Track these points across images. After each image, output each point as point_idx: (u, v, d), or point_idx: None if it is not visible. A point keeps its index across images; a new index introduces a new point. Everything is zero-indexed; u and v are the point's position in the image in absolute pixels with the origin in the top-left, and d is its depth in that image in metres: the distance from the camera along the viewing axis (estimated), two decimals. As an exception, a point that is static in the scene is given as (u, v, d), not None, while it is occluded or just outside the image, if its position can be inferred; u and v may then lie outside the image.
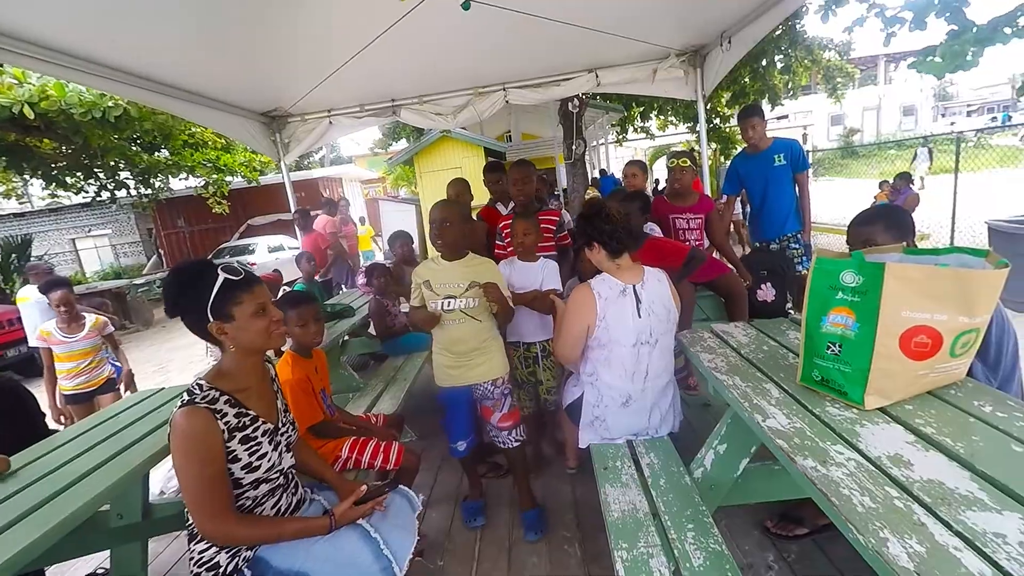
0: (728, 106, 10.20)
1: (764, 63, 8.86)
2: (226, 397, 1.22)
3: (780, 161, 3.37)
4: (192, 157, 9.50)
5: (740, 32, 3.40)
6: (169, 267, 13.54)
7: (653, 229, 2.98)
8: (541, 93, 4.33)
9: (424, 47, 3.36)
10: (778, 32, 8.25)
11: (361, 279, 4.45)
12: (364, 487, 1.36)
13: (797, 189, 3.44)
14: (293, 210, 5.49)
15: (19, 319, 5.51)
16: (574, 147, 6.72)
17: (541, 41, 3.46)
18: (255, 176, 10.43)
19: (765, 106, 8.72)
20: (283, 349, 2.00)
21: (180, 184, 12.67)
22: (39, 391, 2.66)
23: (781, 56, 9.18)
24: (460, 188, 3.21)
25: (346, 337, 3.93)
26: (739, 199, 4.61)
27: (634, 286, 1.74)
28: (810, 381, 1.37)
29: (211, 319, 1.19)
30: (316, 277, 5.07)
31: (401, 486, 1.58)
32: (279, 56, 3.28)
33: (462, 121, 4.53)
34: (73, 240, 16.73)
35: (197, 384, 1.22)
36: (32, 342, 3.97)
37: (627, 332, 1.72)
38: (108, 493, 1.45)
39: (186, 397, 1.19)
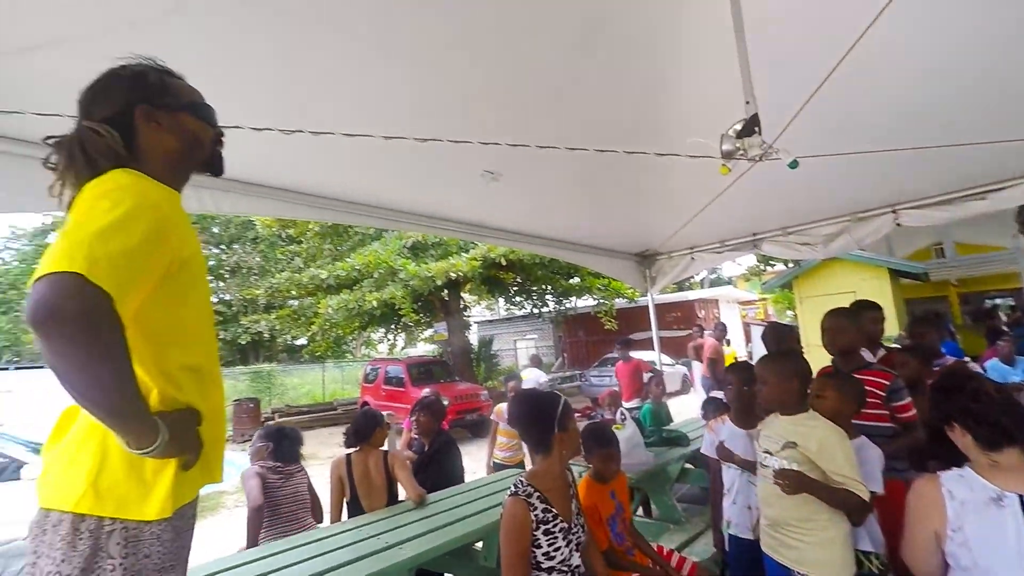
0: None
1: None
2: (538, 494, 1.62)
3: None
4: (593, 282, 11.92)
5: None
6: (569, 368, 16.70)
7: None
8: (953, 211, 3.47)
9: (787, 181, 3.37)
10: None
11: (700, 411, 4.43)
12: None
13: None
14: (654, 335, 6.02)
15: (482, 395, 8.27)
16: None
17: (945, 156, 2.88)
18: (635, 295, 12.03)
19: None
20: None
21: (583, 303, 15.90)
22: (478, 449, 3.91)
23: None
24: (836, 322, 2.42)
25: (685, 464, 3.93)
26: None
27: (1021, 497, 1.21)
28: None
29: (556, 430, 1.65)
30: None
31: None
32: (650, 210, 4.00)
33: (835, 250, 4.11)
34: (515, 340, 23.10)
35: (520, 480, 1.68)
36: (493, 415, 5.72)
37: (1009, 563, 1.19)
38: (474, 534, 2.10)
39: (513, 489, 1.66)
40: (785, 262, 15.19)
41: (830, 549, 1.70)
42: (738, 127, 1.92)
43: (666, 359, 12.37)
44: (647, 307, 5.62)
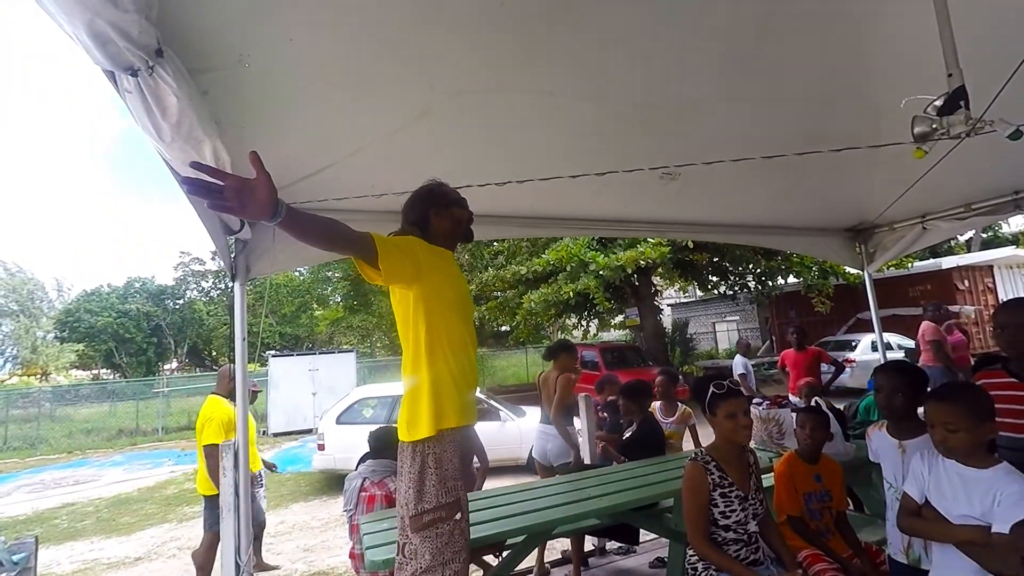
0: None
1: None
2: (714, 463, 1.91)
3: None
4: (800, 260, 10.60)
5: None
6: (777, 353, 15.12)
7: None
8: None
9: None
10: None
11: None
12: (800, 572, 1.66)
13: None
14: (873, 315, 5.25)
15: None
16: None
17: None
18: (858, 279, 10.27)
19: None
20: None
21: (792, 281, 14.15)
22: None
23: None
24: None
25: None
26: None
27: None
28: None
29: (706, 412, 1.94)
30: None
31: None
32: (860, 176, 3.54)
33: None
34: (713, 323, 21.72)
35: (702, 449, 1.99)
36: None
37: None
38: (661, 495, 2.47)
39: (693, 455, 1.98)
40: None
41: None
42: (938, 103, 1.79)
43: (905, 341, 10.33)
44: (884, 281, 4.92)
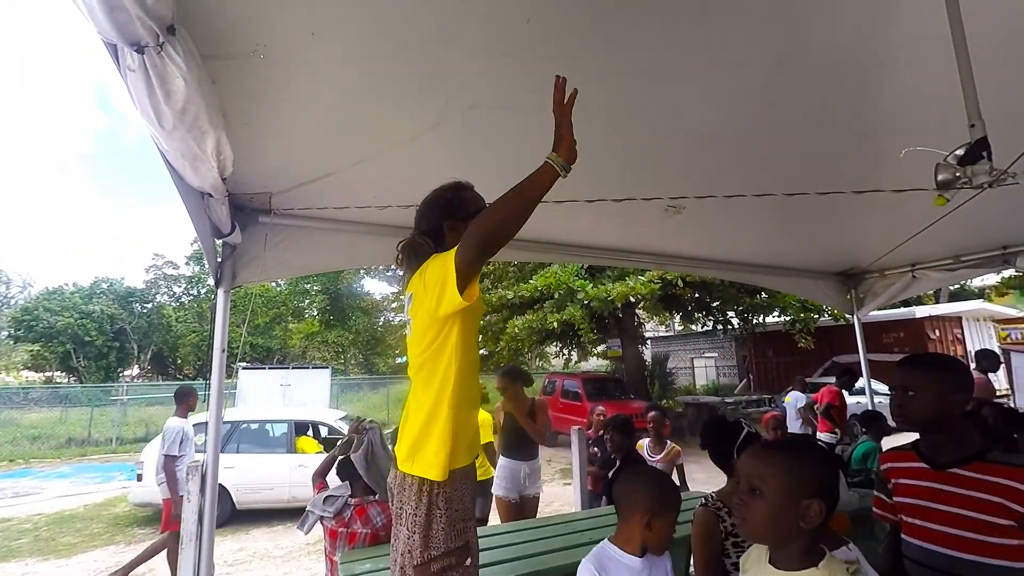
0: None
1: None
2: (726, 510, 1.79)
3: None
4: (785, 298, 10.78)
5: None
6: (755, 391, 15.24)
7: None
8: None
9: None
10: None
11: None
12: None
13: None
14: (862, 360, 5.32)
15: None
16: None
17: None
18: (840, 315, 10.47)
19: None
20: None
21: (773, 319, 14.36)
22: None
23: None
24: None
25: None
26: None
27: None
28: None
29: (733, 455, 1.83)
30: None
31: None
32: (858, 224, 3.61)
33: None
34: (692, 359, 21.85)
35: (713, 495, 1.87)
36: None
37: None
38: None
39: (703, 501, 1.86)
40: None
41: None
42: (960, 152, 1.78)
43: (882, 387, 10.52)
44: (853, 325, 4.98)
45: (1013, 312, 14.89)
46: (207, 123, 1.35)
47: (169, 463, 4.19)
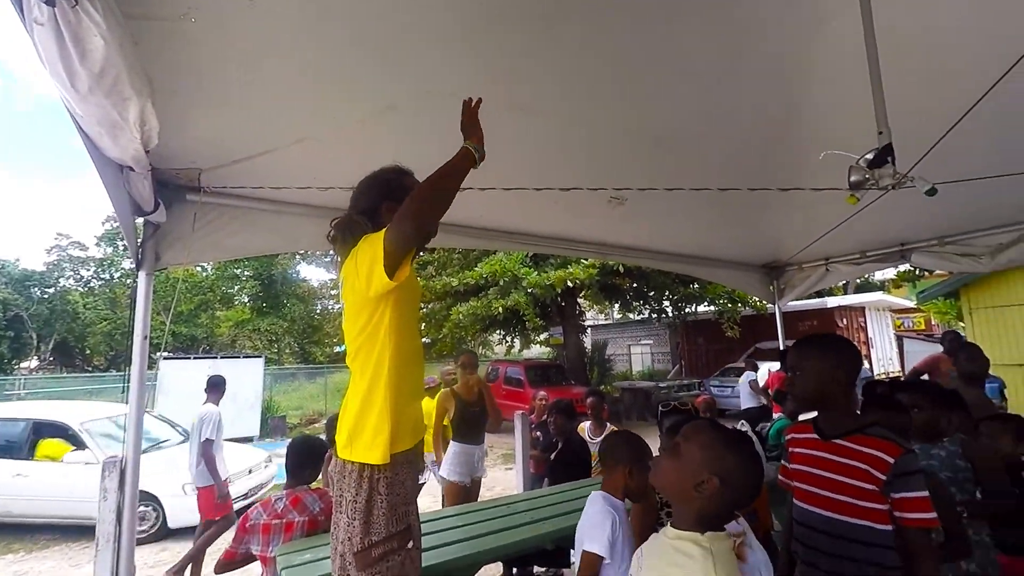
0: None
1: None
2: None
3: None
4: (714, 289, 11.44)
5: None
6: (686, 377, 16.14)
7: None
8: None
9: (944, 188, 3.18)
10: None
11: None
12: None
13: None
14: (781, 347, 5.77)
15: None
16: None
17: None
18: (763, 308, 11.28)
19: None
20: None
21: (704, 308, 15.23)
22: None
23: None
24: None
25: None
26: None
27: None
28: None
29: (668, 433, 1.95)
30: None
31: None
32: (780, 220, 3.93)
33: (1005, 263, 3.70)
34: (629, 346, 22.74)
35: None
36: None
37: None
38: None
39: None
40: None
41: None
42: (869, 156, 1.96)
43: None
44: (775, 315, 5.37)
45: (907, 303, 16.73)
46: (129, 88, 1.23)
47: (208, 448, 4.09)
